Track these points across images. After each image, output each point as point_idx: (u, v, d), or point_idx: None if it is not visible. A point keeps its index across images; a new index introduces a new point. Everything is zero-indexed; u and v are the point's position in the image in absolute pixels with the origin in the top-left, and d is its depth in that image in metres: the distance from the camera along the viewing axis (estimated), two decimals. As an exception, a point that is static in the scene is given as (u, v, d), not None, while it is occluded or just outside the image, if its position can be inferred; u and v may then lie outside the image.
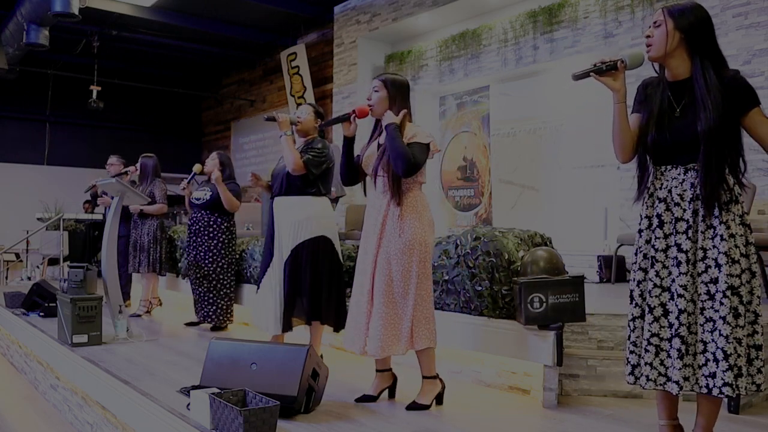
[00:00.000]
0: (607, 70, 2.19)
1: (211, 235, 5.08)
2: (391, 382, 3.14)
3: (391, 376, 3.14)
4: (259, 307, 3.80)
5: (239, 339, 3.11)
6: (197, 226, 5.12)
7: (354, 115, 3.02)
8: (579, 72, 2.23)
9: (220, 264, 5.08)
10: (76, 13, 7.86)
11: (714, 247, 2.10)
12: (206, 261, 5.07)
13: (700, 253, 2.12)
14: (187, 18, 10.12)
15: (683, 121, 2.14)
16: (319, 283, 3.67)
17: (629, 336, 2.24)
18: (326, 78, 10.40)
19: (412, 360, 3.14)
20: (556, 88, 7.27)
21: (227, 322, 5.17)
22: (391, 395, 3.13)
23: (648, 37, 2.19)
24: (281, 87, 11.40)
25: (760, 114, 2.16)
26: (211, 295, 5.09)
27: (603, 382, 3.17)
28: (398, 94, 2.99)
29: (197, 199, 5.17)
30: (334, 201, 6.83)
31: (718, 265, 2.08)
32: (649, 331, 2.16)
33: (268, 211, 3.89)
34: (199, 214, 5.13)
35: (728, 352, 2.04)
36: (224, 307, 5.12)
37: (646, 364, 2.16)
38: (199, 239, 5.10)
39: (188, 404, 2.80)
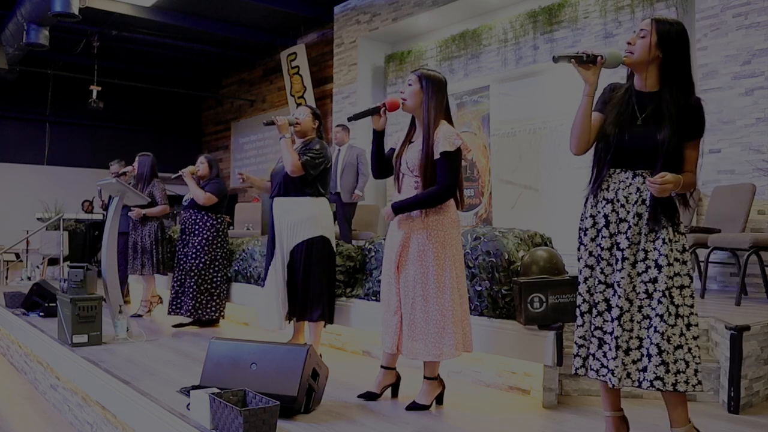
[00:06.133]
0: (586, 61, 2.25)
1: (197, 231, 5.20)
2: (395, 381, 3.14)
3: (394, 375, 3.14)
4: (263, 308, 3.85)
5: (239, 339, 3.11)
6: (186, 225, 5.26)
7: (384, 107, 2.97)
8: (560, 55, 2.28)
9: (203, 260, 5.16)
10: (76, 13, 7.86)
11: (655, 249, 2.21)
12: (189, 257, 5.16)
13: (641, 254, 2.23)
14: (187, 18, 10.12)
15: (645, 131, 2.23)
16: (315, 282, 3.77)
17: (578, 330, 2.34)
18: (326, 78, 10.40)
19: (411, 360, 3.13)
20: (556, 88, 7.26)
21: (205, 316, 5.19)
22: (394, 394, 3.14)
23: (629, 44, 2.27)
24: (281, 87, 11.40)
25: (695, 146, 2.27)
26: (192, 290, 5.13)
27: (603, 382, 3.17)
28: (432, 89, 2.90)
29: (185, 201, 5.34)
30: (353, 204, 6.88)
31: (659, 266, 2.19)
32: (593, 324, 2.28)
33: (269, 211, 3.94)
34: (188, 214, 5.27)
35: (662, 348, 2.15)
36: (203, 301, 5.17)
37: (590, 354, 2.28)
38: (186, 237, 5.23)
39: (188, 404, 2.80)
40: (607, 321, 2.26)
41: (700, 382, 2.18)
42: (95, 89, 11.40)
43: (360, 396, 3.06)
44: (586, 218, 2.34)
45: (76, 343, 4.25)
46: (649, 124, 2.23)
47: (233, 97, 13.20)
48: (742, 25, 5.24)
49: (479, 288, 3.36)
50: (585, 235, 2.33)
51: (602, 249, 2.28)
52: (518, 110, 7.73)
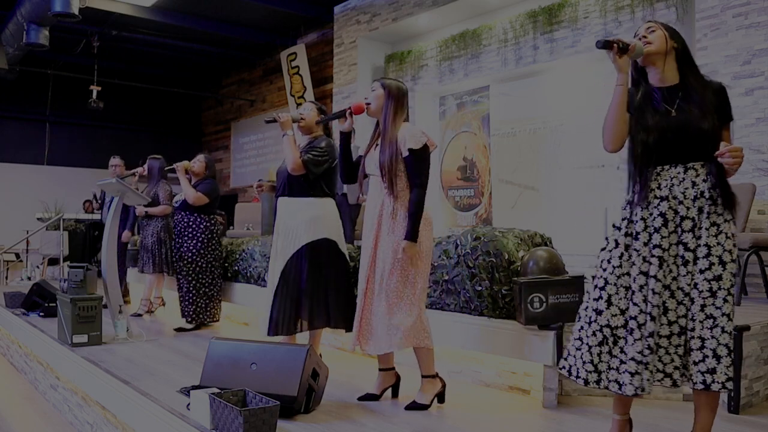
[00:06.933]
0: (622, 49, 2.24)
1: (191, 235, 5.11)
2: (394, 381, 3.15)
3: (394, 375, 3.14)
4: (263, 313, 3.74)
5: (239, 339, 3.11)
6: (179, 228, 5.17)
7: (350, 110, 3.07)
8: (603, 40, 2.25)
9: (200, 264, 5.11)
10: (76, 13, 7.86)
11: (719, 244, 2.13)
12: (186, 260, 5.10)
13: (704, 250, 2.14)
14: (187, 18, 10.12)
15: (683, 121, 2.18)
16: (324, 287, 3.56)
17: (634, 345, 2.17)
18: (326, 78, 10.40)
19: (412, 360, 3.13)
20: (556, 88, 7.26)
21: (207, 320, 5.18)
22: (395, 394, 3.14)
23: (644, 36, 2.28)
24: (281, 87, 11.40)
25: (728, 129, 2.27)
26: (191, 294, 5.10)
27: (603, 382, 3.17)
28: (394, 96, 3.02)
29: (176, 202, 5.26)
30: (358, 206, 6.87)
31: (723, 263, 2.12)
32: (642, 333, 2.16)
33: (272, 211, 3.86)
34: (179, 216, 5.18)
35: (731, 348, 2.10)
36: (203, 305, 5.14)
37: (639, 372, 2.14)
38: (180, 240, 5.14)
39: (188, 404, 2.80)
40: (664, 325, 2.17)
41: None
42: (95, 89, 11.40)
43: (360, 398, 3.07)
44: (635, 221, 2.22)
45: (76, 343, 4.25)
46: (684, 114, 2.19)
47: (233, 97, 13.20)
48: (742, 25, 5.24)
49: (479, 288, 3.36)
50: (636, 239, 2.20)
51: (663, 250, 2.16)
52: (518, 110, 7.73)
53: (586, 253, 6.32)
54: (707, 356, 2.10)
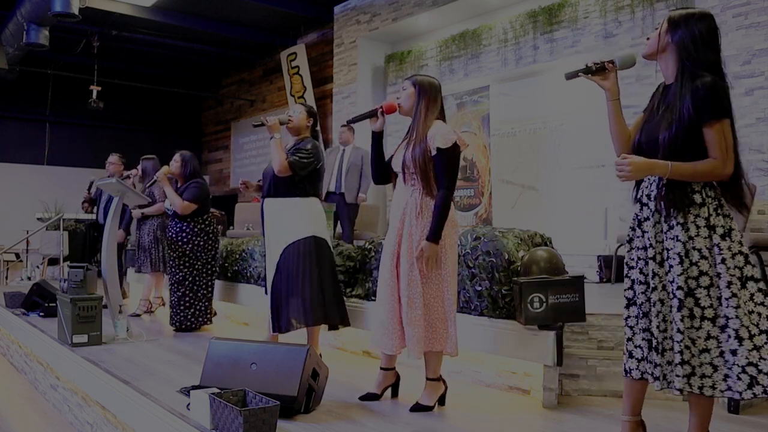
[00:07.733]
0: (596, 70, 2.28)
1: (185, 240, 4.98)
2: (395, 381, 3.14)
3: (394, 375, 3.14)
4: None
5: (239, 339, 3.11)
6: (171, 233, 5.05)
7: (381, 109, 3.04)
8: (570, 72, 2.31)
9: (196, 267, 5.00)
10: (76, 13, 7.86)
11: (674, 247, 2.14)
12: (181, 266, 4.98)
13: (665, 253, 2.18)
14: (187, 18, 10.12)
15: (652, 124, 2.21)
16: (319, 284, 3.62)
17: (631, 333, 2.28)
18: (326, 78, 10.40)
19: (413, 360, 3.13)
20: (556, 88, 7.26)
21: (206, 322, 5.13)
22: (394, 394, 3.14)
23: (648, 39, 2.28)
24: (281, 87, 11.40)
25: (713, 129, 2.09)
26: (188, 299, 5.00)
27: (603, 382, 3.17)
28: (426, 92, 2.96)
29: (168, 209, 5.15)
30: (356, 205, 6.87)
31: (671, 266, 2.14)
32: (639, 326, 2.22)
33: (260, 212, 3.89)
34: (173, 222, 5.06)
35: (680, 350, 2.09)
36: (202, 309, 5.06)
37: (642, 358, 2.21)
38: (173, 245, 5.02)
39: (188, 404, 2.80)
40: (652, 324, 2.20)
41: (730, 389, 2.07)
42: (95, 89, 11.40)
43: (361, 398, 3.07)
44: (634, 221, 2.29)
45: (76, 343, 4.25)
46: (663, 116, 2.17)
47: (233, 97, 13.21)
48: (742, 25, 5.24)
49: (479, 288, 3.36)
50: (633, 236, 2.29)
51: (638, 249, 2.25)
52: (518, 110, 7.73)
53: (586, 253, 6.33)
54: (675, 357, 2.13)
